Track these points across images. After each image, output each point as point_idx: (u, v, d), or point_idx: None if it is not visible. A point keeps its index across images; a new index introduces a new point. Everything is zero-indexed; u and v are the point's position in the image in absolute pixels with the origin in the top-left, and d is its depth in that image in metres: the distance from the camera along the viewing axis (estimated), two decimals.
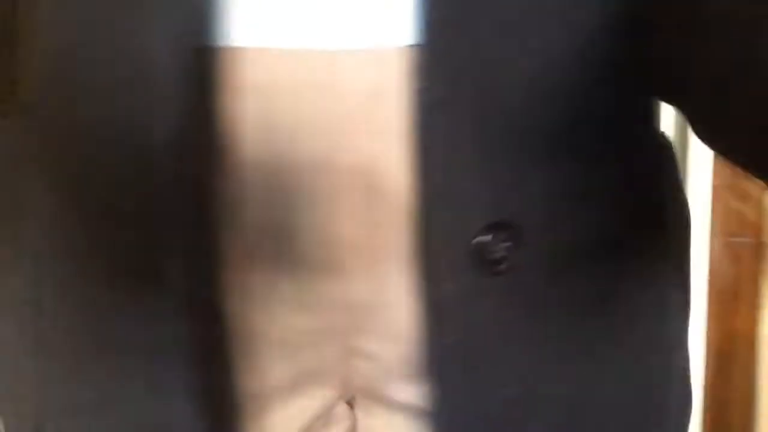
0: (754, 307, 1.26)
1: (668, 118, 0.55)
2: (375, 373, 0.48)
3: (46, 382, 0.48)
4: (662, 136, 0.54)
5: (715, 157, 1.12)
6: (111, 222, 0.45)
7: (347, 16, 0.43)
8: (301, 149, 0.43)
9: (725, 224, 1.23)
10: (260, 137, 0.43)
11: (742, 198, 1.22)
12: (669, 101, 0.48)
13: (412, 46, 0.42)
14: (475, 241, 0.45)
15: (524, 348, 0.47)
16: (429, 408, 0.47)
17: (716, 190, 1.22)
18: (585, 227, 0.48)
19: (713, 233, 1.24)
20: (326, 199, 0.44)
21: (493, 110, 0.43)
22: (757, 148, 0.41)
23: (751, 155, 0.42)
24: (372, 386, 0.49)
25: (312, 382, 0.49)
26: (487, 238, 0.45)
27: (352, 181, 0.44)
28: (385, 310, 0.47)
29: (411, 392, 0.48)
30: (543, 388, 0.48)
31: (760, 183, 0.42)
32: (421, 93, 0.43)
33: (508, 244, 0.45)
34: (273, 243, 0.45)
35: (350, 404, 0.50)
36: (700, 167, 1.21)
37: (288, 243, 0.45)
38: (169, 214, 0.44)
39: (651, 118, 0.52)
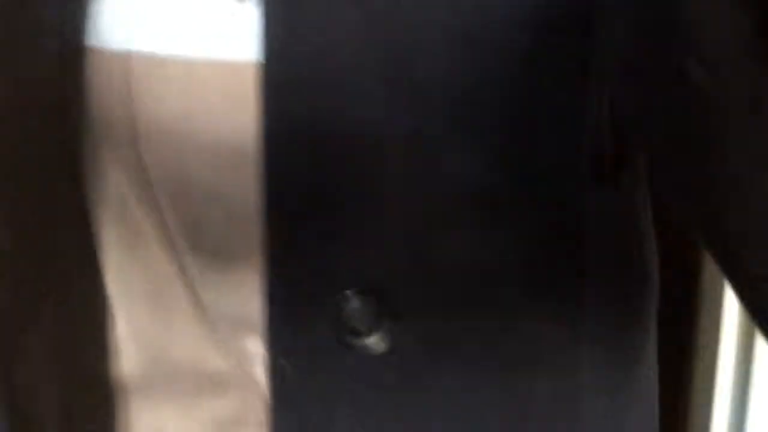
0: None
1: None
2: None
3: None
4: (631, 213, 0.47)
5: None
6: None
7: (201, 26, 0.41)
8: (158, 156, 0.42)
9: None
10: (124, 135, 0.42)
11: None
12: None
13: (263, 61, 0.40)
14: (330, 304, 0.41)
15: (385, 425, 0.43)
16: None
17: None
18: (479, 303, 0.42)
19: None
20: (182, 203, 0.43)
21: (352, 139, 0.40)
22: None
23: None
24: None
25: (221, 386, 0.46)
26: (349, 305, 0.41)
27: (204, 192, 0.42)
28: (253, 325, 0.44)
29: None
30: None
31: None
32: (271, 113, 0.40)
33: (375, 316, 0.41)
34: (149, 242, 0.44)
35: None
36: None
37: (152, 246, 0.44)
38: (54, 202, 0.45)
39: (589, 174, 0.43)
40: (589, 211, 0.44)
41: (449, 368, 0.43)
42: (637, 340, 0.49)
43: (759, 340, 1.06)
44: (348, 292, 0.41)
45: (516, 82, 0.39)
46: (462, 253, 0.42)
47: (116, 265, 0.45)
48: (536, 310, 0.44)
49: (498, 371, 0.44)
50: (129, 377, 0.47)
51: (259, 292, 0.42)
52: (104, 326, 0.46)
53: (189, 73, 0.41)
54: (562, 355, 0.45)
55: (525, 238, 0.42)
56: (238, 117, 0.40)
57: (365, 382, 0.42)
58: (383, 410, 0.43)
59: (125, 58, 0.42)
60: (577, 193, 0.43)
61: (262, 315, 0.42)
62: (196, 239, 0.43)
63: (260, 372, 0.45)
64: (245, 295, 0.43)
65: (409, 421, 0.43)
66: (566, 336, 0.45)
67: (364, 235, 0.41)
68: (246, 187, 0.41)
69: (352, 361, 0.42)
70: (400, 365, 0.42)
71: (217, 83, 0.41)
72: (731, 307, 1.01)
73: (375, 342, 0.41)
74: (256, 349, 0.45)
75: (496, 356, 0.43)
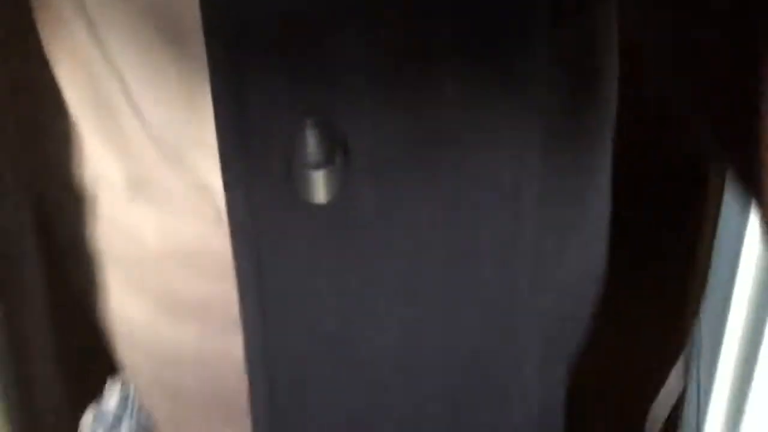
0: None
1: None
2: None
3: None
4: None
5: None
6: None
7: None
8: None
9: None
10: None
11: None
12: None
13: None
14: (282, 134, 0.39)
15: (340, 283, 0.43)
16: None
17: None
18: (428, 136, 0.40)
19: None
20: (118, 20, 0.42)
21: None
22: None
23: None
24: None
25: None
26: (301, 134, 0.38)
27: (140, 7, 0.41)
28: (208, 148, 0.42)
29: None
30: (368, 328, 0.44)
31: None
32: None
33: (327, 148, 0.39)
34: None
35: None
36: None
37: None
38: None
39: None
40: (544, 40, 0.41)
41: (398, 214, 0.42)
42: (587, 164, 0.48)
43: None
44: (300, 122, 0.39)
45: None
46: (419, 85, 0.40)
47: (71, 82, 0.45)
48: (484, 128, 0.42)
49: (444, 210, 0.43)
50: (105, 184, 0.47)
51: (209, 115, 0.41)
52: (71, 138, 0.47)
53: None
54: (508, 189, 0.43)
55: (478, 62, 0.40)
56: None
57: (316, 230, 0.41)
58: (335, 258, 0.42)
59: None
60: (533, 24, 0.40)
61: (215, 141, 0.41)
62: (135, 57, 0.42)
63: (219, 198, 0.43)
64: (197, 118, 0.42)
65: (360, 268, 0.43)
66: (512, 162, 0.43)
67: (317, 61, 0.38)
68: (185, 4, 0.39)
69: (303, 210, 0.40)
70: (350, 215, 0.41)
71: None
72: None
73: (325, 179, 0.40)
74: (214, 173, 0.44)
75: (445, 195, 0.43)
